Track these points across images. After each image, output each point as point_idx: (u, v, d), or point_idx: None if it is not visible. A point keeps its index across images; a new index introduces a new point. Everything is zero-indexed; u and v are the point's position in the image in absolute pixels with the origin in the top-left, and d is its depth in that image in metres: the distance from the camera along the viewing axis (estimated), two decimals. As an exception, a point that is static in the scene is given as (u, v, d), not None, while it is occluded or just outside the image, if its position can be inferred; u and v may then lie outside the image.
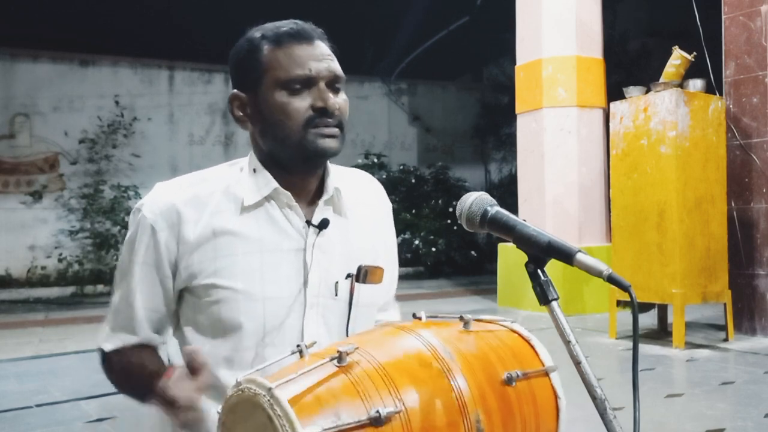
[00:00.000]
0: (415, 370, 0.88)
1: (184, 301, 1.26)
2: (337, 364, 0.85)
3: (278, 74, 1.21)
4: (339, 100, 1.24)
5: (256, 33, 1.26)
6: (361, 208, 1.35)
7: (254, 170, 1.26)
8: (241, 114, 1.27)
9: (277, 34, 1.24)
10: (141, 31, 12.76)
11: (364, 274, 1.26)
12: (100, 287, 10.33)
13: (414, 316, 1.04)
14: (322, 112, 1.21)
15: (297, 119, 1.20)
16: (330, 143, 1.22)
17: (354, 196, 1.34)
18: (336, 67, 1.25)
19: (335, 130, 1.23)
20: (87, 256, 11.11)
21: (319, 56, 1.23)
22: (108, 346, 1.27)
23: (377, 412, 0.80)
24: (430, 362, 0.90)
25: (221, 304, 1.20)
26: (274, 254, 1.23)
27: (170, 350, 1.30)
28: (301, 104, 1.21)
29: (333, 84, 1.24)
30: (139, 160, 11.98)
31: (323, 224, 1.25)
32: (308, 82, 1.21)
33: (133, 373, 1.25)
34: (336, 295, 1.26)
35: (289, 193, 1.24)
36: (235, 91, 1.28)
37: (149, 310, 1.26)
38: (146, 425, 3.14)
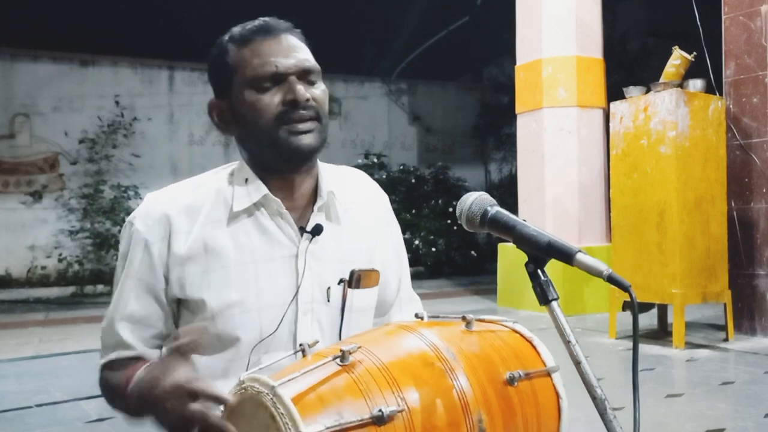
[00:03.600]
0: (418, 369, 0.89)
1: (181, 318, 1.24)
2: (340, 363, 0.86)
3: (246, 73, 1.19)
4: (315, 91, 1.21)
5: (226, 36, 1.25)
6: (355, 210, 1.33)
7: (246, 180, 1.24)
8: (219, 121, 1.26)
9: (242, 33, 1.22)
10: (141, 31, 12.76)
11: (357, 279, 1.25)
12: (100, 287, 10.33)
13: (416, 316, 1.05)
14: (293, 105, 1.18)
15: (268, 116, 1.18)
16: (304, 140, 1.19)
17: (348, 198, 1.32)
18: (305, 59, 1.22)
19: (310, 125, 1.19)
20: (87, 256, 11.11)
21: (286, 51, 1.20)
22: (102, 360, 1.25)
23: (380, 411, 0.81)
24: (433, 362, 0.90)
25: (217, 320, 1.18)
26: (266, 263, 1.21)
27: None
28: (272, 100, 1.18)
29: (305, 77, 1.21)
30: (139, 160, 11.97)
31: (316, 231, 1.23)
32: (276, 78, 1.19)
33: (115, 386, 1.18)
34: (328, 300, 1.24)
35: (279, 200, 1.22)
36: (213, 98, 1.26)
37: (142, 327, 1.22)
38: (146, 425, 3.13)
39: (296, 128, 1.18)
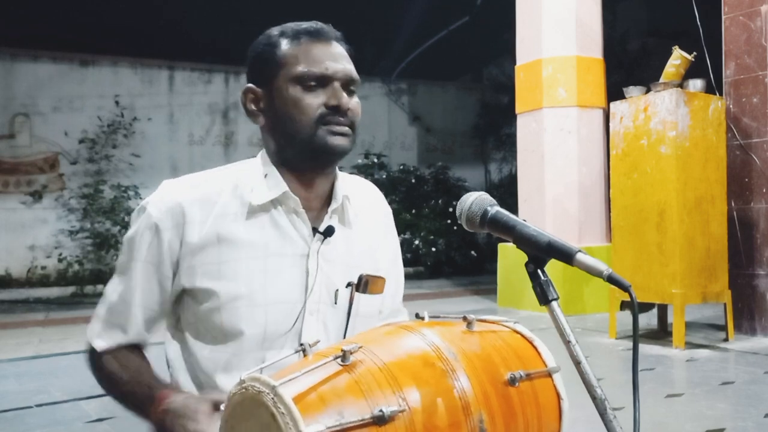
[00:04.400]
0: (419, 369, 0.89)
1: (185, 306, 1.25)
2: (341, 363, 0.86)
3: (294, 69, 1.22)
4: (353, 102, 1.25)
5: (276, 30, 1.28)
6: (364, 218, 1.35)
7: (266, 175, 1.26)
8: (254, 107, 1.27)
9: (296, 31, 1.25)
10: (141, 31, 12.77)
11: (364, 284, 1.26)
12: (100, 287, 10.31)
13: (417, 315, 1.05)
14: (335, 110, 1.21)
15: (309, 114, 1.21)
16: (340, 141, 1.22)
17: (358, 206, 1.34)
18: (352, 69, 1.26)
19: (346, 129, 1.23)
20: (87, 256, 11.11)
21: (337, 56, 1.24)
22: (101, 345, 1.25)
23: (380, 411, 0.81)
24: (434, 362, 0.90)
25: (222, 311, 1.19)
26: (277, 259, 1.22)
27: (170, 354, 1.28)
28: (315, 100, 1.21)
29: (348, 86, 1.25)
30: (139, 160, 11.98)
31: (328, 232, 1.24)
32: (323, 80, 1.22)
33: (127, 380, 1.22)
34: (335, 303, 1.25)
35: (297, 199, 1.24)
36: (250, 84, 1.28)
37: (146, 308, 1.24)
38: (146, 425, 3.14)
39: (334, 129, 1.22)
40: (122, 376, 1.23)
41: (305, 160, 1.25)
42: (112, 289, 1.27)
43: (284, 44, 1.24)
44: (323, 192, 1.29)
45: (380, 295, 1.31)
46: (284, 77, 1.23)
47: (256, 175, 1.26)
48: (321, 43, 1.24)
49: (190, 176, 1.29)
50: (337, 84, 1.23)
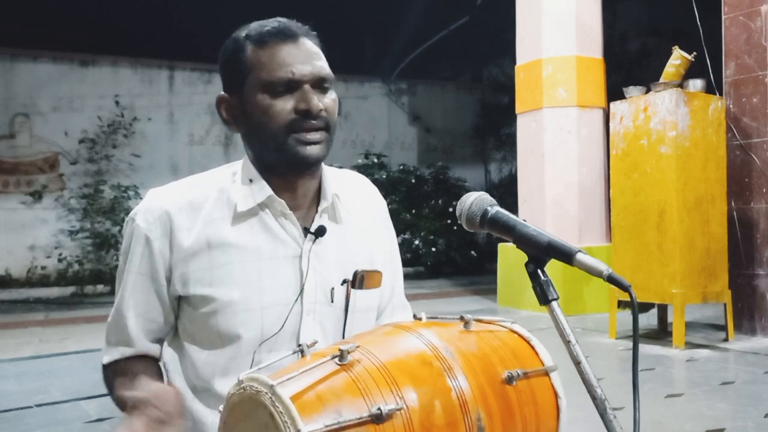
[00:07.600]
0: (417, 368, 0.89)
1: (182, 312, 1.25)
2: (339, 363, 0.86)
3: (261, 76, 1.18)
4: (326, 101, 1.21)
5: (242, 32, 1.23)
6: (357, 213, 1.33)
7: (250, 180, 1.24)
8: (227, 116, 1.25)
9: (261, 33, 1.20)
10: (141, 31, 12.76)
11: (360, 280, 1.25)
12: (100, 287, 10.33)
13: (414, 316, 1.05)
14: (306, 115, 1.18)
15: (279, 122, 1.17)
16: (311, 150, 1.19)
17: (350, 201, 1.32)
18: (322, 66, 1.21)
19: (318, 136, 1.19)
20: (87, 256, 11.11)
21: (304, 57, 1.19)
22: (106, 359, 1.26)
23: (378, 409, 0.81)
24: (431, 361, 0.90)
25: (218, 316, 1.18)
26: (270, 262, 1.21)
27: (166, 359, 1.28)
28: (284, 106, 1.17)
29: (320, 84, 1.21)
30: (139, 160, 11.98)
31: (319, 232, 1.23)
32: (291, 85, 1.18)
33: (126, 384, 1.21)
34: (332, 301, 1.24)
35: (283, 201, 1.22)
36: (222, 93, 1.25)
37: (145, 320, 1.24)
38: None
39: (305, 138, 1.18)
40: (124, 380, 1.22)
41: (282, 167, 1.23)
42: (114, 302, 1.28)
43: (249, 49, 1.20)
44: (310, 191, 1.27)
45: (377, 289, 1.31)
46: (252, 84, 1.19)
47: (242, 180, 1.25)
48: (287, 44, 1.19)
49: (175, 183, 1.28)
50: (306, 87, 1.18)
